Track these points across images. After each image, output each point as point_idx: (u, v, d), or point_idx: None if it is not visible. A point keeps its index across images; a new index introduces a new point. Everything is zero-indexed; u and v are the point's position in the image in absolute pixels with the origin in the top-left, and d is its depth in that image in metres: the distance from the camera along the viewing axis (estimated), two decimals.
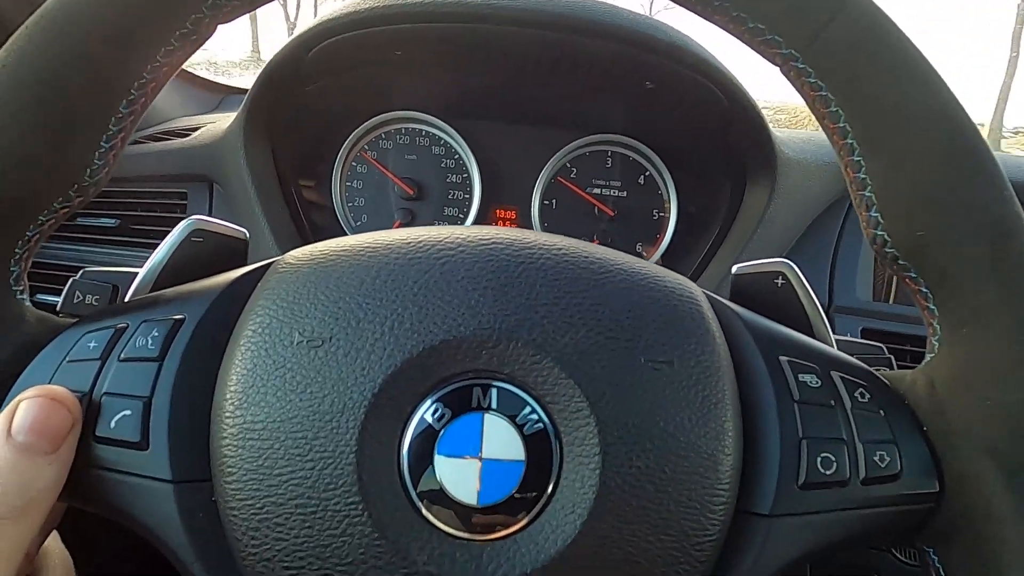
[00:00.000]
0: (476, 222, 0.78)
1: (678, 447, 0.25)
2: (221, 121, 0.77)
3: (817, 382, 0.28)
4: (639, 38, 0.62)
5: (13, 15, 0.69)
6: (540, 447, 0.25)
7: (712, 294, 0.31)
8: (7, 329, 0.28)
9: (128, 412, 0.26)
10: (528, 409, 0.25)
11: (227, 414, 0.25)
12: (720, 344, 0.28)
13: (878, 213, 0.28)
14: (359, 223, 0.80)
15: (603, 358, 0.26)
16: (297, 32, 0.66)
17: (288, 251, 0.30)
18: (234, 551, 0.25)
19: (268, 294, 0.27)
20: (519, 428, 0.25)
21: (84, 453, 0.26)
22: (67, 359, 0.27)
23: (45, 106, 0.26)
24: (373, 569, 0.24)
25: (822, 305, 0.68)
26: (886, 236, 0.28)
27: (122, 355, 0.27)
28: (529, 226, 0.79)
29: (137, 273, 0.33)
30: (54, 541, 0.34)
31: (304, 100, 0.74)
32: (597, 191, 0.79)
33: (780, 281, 0.35)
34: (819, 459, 0.27)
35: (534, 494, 0.24)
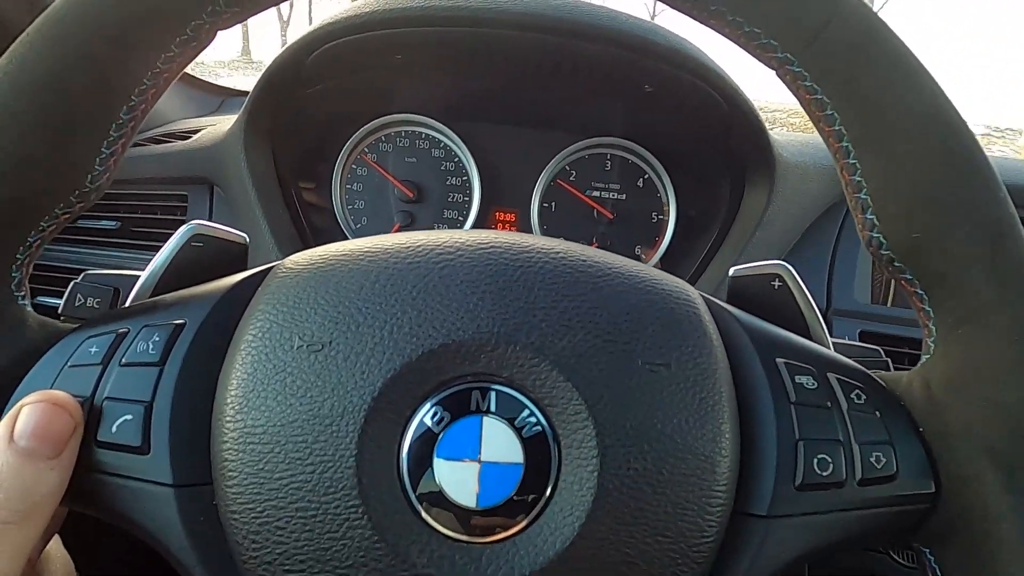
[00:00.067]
0: (476, 225, 0.79)
1: (676, 449, 0.25)
2: (222, 124, 0.77)
3: (813, 384, 0.29)
4: (638, 42, 0.62)
5: (12, 16, 0.69)
6: (539, 450, 0.25)
7: (709, 297, 0.31)
8: (9, 334, 0.28)
9: (129, 417, 0.26)
10: (527, 412, 0.25)
11: (228, 418, 0.25)
12: (717, 346, 0.28)
13: (874, 215, 0.28)
14: (359, 225, 0.81)
15: (601, 361, 0.26)
16: (298, 35, 0.66)
17: (288, 254, 0.30)
18: (235, 555, 0.25)
19: (268, 299, 0.27)
20: (518, 431, 0.25)
21: (86, 458, 0.26)
22: (68, 364, 0.27)
23: (46, 112, 0.26)
24: (373, 572, 0.24)
25: (820, 307, 0.69)
26: (882, 238, 0.28)
27: (123, 360, 0.27)
28: (529, 229, 0.79)
29: (138, 276, 0.33)
30: (56, 545, 0.34)
31: (305, 103, 0.74)
32: (596, 194, 0.79)
33: (777, 283, 0.35)
34: (816, 460, 0.27)
35: (533, 496, 0.25)
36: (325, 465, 0.24)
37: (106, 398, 0.26)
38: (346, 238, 0.79)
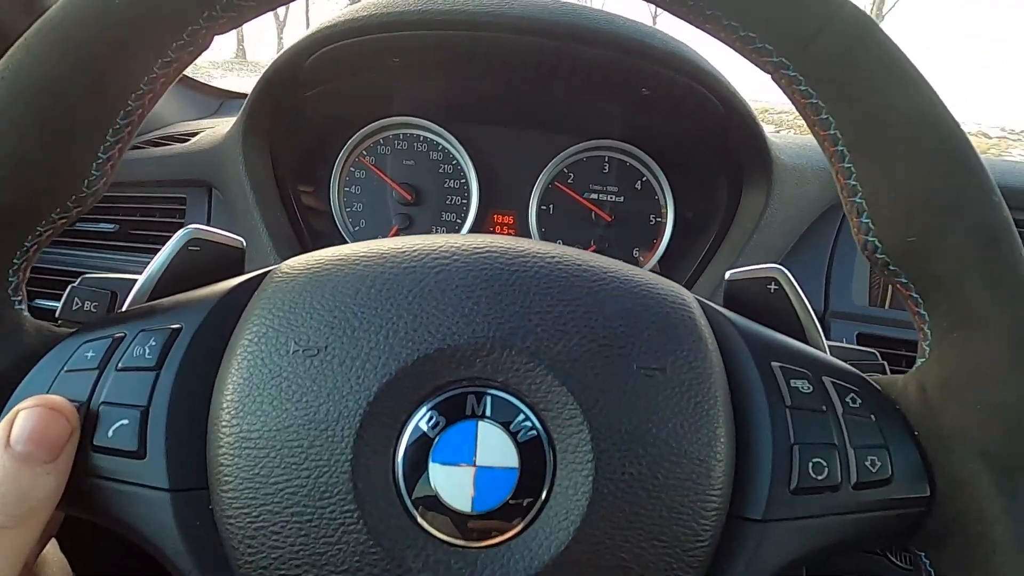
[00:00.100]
0: (474, 227, 0.79)
1: (671, 453, 0.25)
2: (220, 126, 0.77)
3: (809, 387, 0.29)
4: (635, 46, 0.62)
5: (10, 18, 0.70)
6: (534, 454, 0.25)
7: (705, 300, 0.31)
8: (6, 339, 0.28)
9: (125, 421, 0.26)
10: (522, 416, 0.25)
11: (223, 423, 0.25)
12: (712, 350, 0.28)
13: (869, 219, 0.28)
14: (357, 228, 0.81)
15: (596, 365, 0.26)
16: (295, 38, 0.67)
17: (287, 256, 0.30)
18: (231, 559, 0.25)
19: (264, 303, 0.27)
20: (513, 435, 0.25)
21: (82, 462, 0.26)
22: (65, 368, 0.27)
23: (42, 117, 0.26)
24: None
25: (818, 310, 0.69)
26: (877, 242, 0.28)
27: (120, 364, 0.27)
28: (527, 231, 0.79)
29: (136, 279, 0.33)
30: (52, 549, 0.34)
31: (303, 106, 0.74)
32: (594, 196, 0.79)
33: (773, 287, 0.35)
34: (811, 464, 0.27)
35: (528, 501, 0.25)
36: (321, 470, 0.24)
37: (102, 403, 0.26)
38: (344, 241, 0.80)
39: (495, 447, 0.25)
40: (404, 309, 0.26)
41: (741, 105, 0.65)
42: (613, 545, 0.25)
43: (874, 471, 0.28)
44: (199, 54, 0.29)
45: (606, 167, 0.79)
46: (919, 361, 0.30)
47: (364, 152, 0.80)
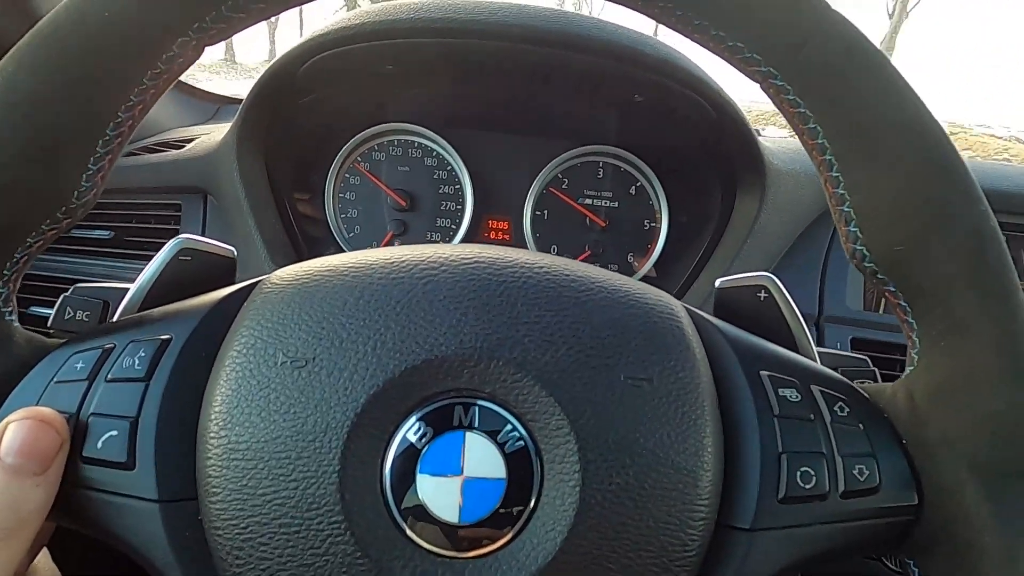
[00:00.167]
0: (468, 233, 0.79)
1: (658, 463, 0.26)
2: (216, 132, 0.77)
3: (797, 396, 0.29)
4: (627, 53, 0.62)
5: (7, 25, 0.70)
6: (521, 465, 0.25)
7: (694, 309, 0.31)
8: None
9: (115, 432, 0.26)
10: (509, 427, 0.25)
11: (212, 434, 0.25)
12: (700, 360, 0.28)
13: (857, 228, 0.28)
14: (352, 234, 0.81)
15: (583, 376, 0.26)
16: (289, 46, 0.67)
17: (281, 263, 0.30)
18: (219, 570, 0.25)
19: (253, 315, 0.27)
20: (500, 446, 0.25)
21: (72, 474, 0.26)
22: (55, 380, 0.27)
23: (32, 129, 0.26)
24: None
25: (812, 314, 0.69)
26: (865, 250, 0.28)
27: (109, 375, 0.27)
28: (521, 237, 0.79)
29: (128, 288, 0.33)
30: (44, 559, 0.34)
31: (297, 113, 0.74)
32: (589, 202, 0.79)
33: (763, 295, 0.36)
34: (799, 473, 0.27)
35: (515, 511, 0.25)
36: (308, 481, 0.24)
37: (92, 414, 0.26)
38: (339, 247, 0.80)
39: (482, 458, 0.25)
40: (392, 320, 0.26)
41: (733, 111, 0.65)
42: (600, 555, 0.25)
43: (862, 480, 0.28)
44: (189, 65, 0.29)
45: (600, 172, 0.79)
46: (908, 369, 0.30)
47: (359, 158, 0.80)
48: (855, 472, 0.28)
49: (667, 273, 0.78)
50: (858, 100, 0.27)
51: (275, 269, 0.30)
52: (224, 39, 0.29)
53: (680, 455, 0.26)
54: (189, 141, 0.80)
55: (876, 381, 0.36)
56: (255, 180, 0.71)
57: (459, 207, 0.80)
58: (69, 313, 0.34)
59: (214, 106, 1.05)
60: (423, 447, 0.25)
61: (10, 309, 0.29)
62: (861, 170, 0.28)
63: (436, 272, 0.28)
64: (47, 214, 0.28)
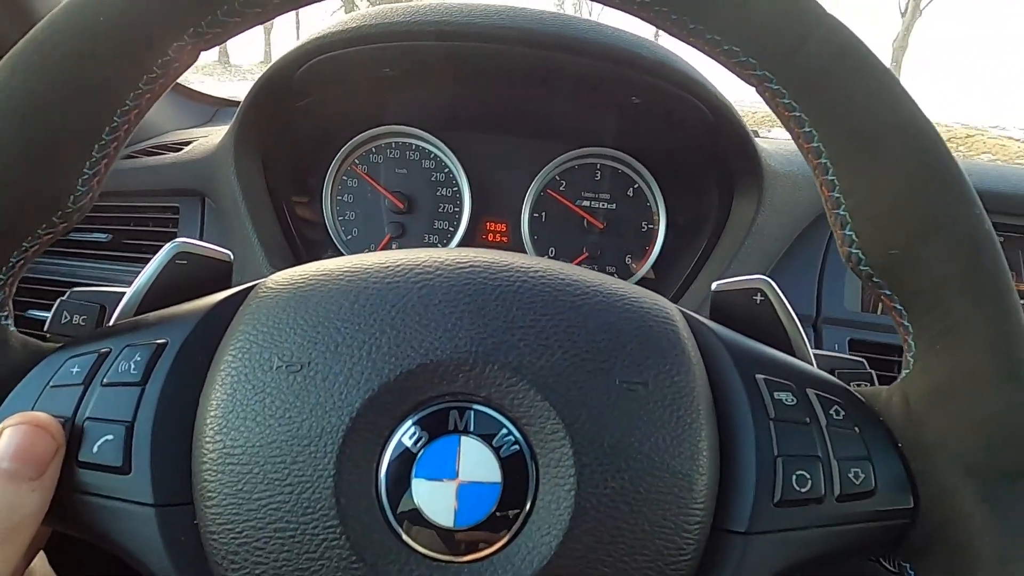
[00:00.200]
0: (466, 235, 0.79)
1: (653, 467, 0.26)
2: (213, 135, 0.77)
3: (793, 400, 0.29)
4: (624, 56, 0.62)
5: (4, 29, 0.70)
6: (516, 469, 0.25)
7: (689, 313, 0.31)
8: None
9: (110, 437, 0.26)
10: (504, 431, 0.25)
11: (207, 439, 0.25)
12: (696, 363, 0.28)
13: (852, 231, 0.28)
14: (350, 237, 0.81)
15: (579, 380, 0.26)
16: (286, 49, 0.67)
17: (279, 265, 0.30)
18: (215, 574, 0.25)
19: (248, 319, 0.27)
20: (495, 450, 0.25)
21: (67, 478, 0.26)
22: (50, 384, 0.27)
23: (28, 133, 0.26)
24: None
25: (810, 316, 0.69)
26: (860, 254, 0.28)
27: (105, 380, 0.27)
28: (519, 239, 0.79)
29: (124, 292, 0.33)
30: (40, 562, 0.34)
31: (294, 116, 0.74)
32: (586, 204, 0.79)
33: (759, 298, 0.36)
34: (794, 477, 0.27)
35: (510, 516, 0.25)
36: (304, 485, 0.24)
37: (87, 418, 0.26)
38: (337, 249, 0.80)
39: (478, 462, 0.25)
40: (387, 324, 0.26)
41: (730, 113, 0.66)
42: (596, 559, 0.25)
43: (858, 483, 0.28)
44: (185, 69, 0.29)
45: (598, 174, 0.79)
46: (904, 372, 0.30)
47: (356, 161, 0.80)
48: (851, 475, 0.28)
49: (665, 275, 0.79)
50: (853, 104, 0.27)
51: (273, 272, 0.30)
52: (220, 43, 0.29)
53: (675, 459, 0.26)
54: (187, 144, 0.80)
55: (873, 383, 0.36)
56: (253, 183, 0.71)
57: (457, 209, 0.80)
58: (66, 317, 0.34)
59: (212, 109, 1.05)
60: (418, 451, 0.25)
61: (6, 313, 0.29)
62: (857, 173, 0.28)
63: (431, 276, 0.28)
64: (43, 218, 0.28)
